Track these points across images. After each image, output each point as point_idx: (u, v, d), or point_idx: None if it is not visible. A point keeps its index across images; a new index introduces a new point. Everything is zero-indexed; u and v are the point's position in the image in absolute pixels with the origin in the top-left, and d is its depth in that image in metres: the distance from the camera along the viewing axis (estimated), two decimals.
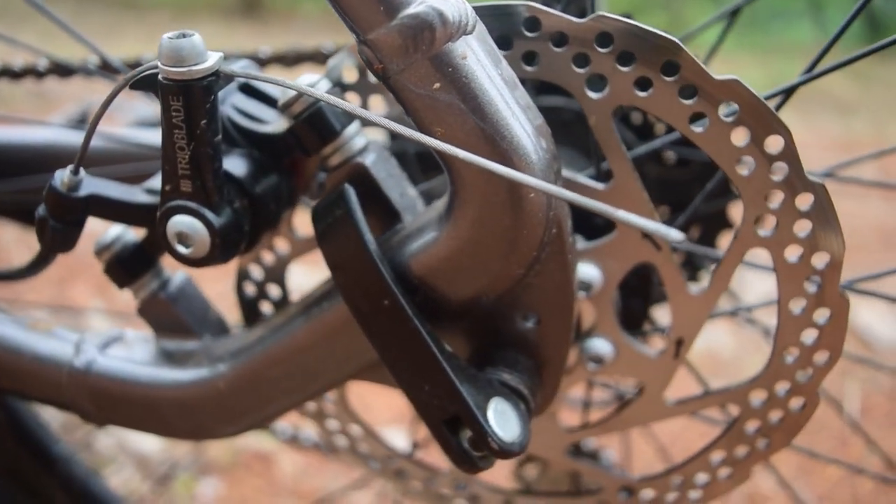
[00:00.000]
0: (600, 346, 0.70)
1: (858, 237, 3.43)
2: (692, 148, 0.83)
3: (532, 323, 0.61)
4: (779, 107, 0.67)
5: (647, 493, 0.79)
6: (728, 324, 2.55)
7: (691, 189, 0.85)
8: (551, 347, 0.62)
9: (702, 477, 0.76)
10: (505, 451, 0.56)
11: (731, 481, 0.75)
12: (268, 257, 0.75)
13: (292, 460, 2.05)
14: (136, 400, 0.73)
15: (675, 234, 0.39)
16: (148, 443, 2.05)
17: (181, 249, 0.61)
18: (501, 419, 0.58)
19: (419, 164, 0.81)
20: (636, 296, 0.75)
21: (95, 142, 0.84)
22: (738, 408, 0.71)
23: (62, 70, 1.06)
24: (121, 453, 2.04)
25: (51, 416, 2.00)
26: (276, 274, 0.76)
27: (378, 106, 0.68)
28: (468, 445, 0.58)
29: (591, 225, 0.70)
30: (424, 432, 0.88)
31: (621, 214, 0.40)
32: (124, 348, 0.75)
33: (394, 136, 0.84)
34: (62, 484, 1.29)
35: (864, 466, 2.17)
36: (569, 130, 0.80)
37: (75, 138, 1.04)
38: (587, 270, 0.67)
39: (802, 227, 0.62)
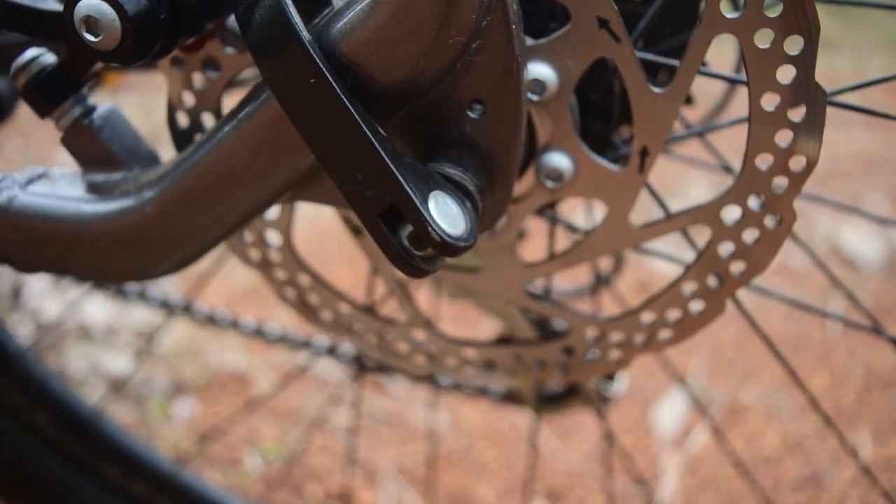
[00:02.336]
0: (558, 159, 0.65)
1: (842, 164, 3.43)
2: None
3: (477, 113, 0.56)
4: None
5: (616, 335, 0.74)
6: None
7: (660, 24, 0.79)
8: (499, 141, 0.56)
9: (673, 313, 0.71)
10: (448, 245, 0.51)
11: (704, 316, 0.71)
12: (198, 81, 0.69)
13: (268, 380, 2.02)
14: (62, 237, 0.68)
15: None
16: (120, 364, 2.01)
17: (90, 38, 0.55)
18: (444, 212, 0.52)
19: None
20: (598, 117, 0.69)
21: None
22: (710, 229, 0.66)
23: None
24: (92, 375, 2.00)
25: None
26: (210, 101, 0.70)
27: None
28: (408, 243, 0.53)
29: (543, 28, 0.64)
30: (381, 289, 0.83)
31: None
32: (48, 184, 0.70)
33: None
34: (19, 382, 1.25)
35: (847, 379, 2.16)
36: None
37: None
38: (539, 69, 0.61)
39: (772, 7, 0.56)
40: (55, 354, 2.04)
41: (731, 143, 0.92)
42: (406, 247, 0.52)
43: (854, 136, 3.63)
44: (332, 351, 1.30)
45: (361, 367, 1.30)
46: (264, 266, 0.79)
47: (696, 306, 0.70)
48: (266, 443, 1.84)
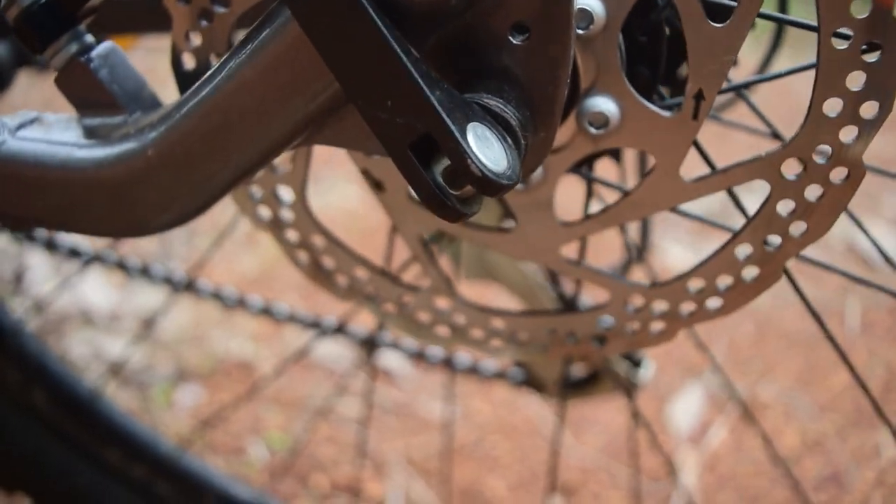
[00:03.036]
0: (603, 104, 0.59)
1: None
2: None
3: (519, 39, 0.50)
4: None
5: (660, 304, 0.68)
6: None
7: None
8: (544, 71, 0.50)
9: (724, 280, 0.65)
10: (489, 181, 0.45)
11: (758, 283, 0.64)
12: (206, 17, 0.63)
13: (274, 368, 1.96)
14: (54, 186, 0.62)
15: None
16: (123, 350, 1.96)
17: None
18: (483, 146, 0.46)
19: None
20: (644, 62, 0.63)
21: None
22: (769, 184, 0.60)
23: None
24: (94, 360, 1.94)
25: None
26: (218, 40, 0.63)
27: None
28: (443, 180, 0.47)
29: None
30: (402, 254, 0.77)
31: None
32: (41, 129, 0.64)
33: None
34: (14, 360, 1.19)
35: (867, 378, 2.09)
36: None
37: None
38: (585, 0, 0.55)
39: None
40: (57, 339, 1.99)
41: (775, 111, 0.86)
42: (441, 184, 0.46)
43: None
44: (340, 330, 1.24)
45: (371, 348, 1.24)
46: (275, 226, 0.72)
47: (751, 272, 0.64)
48: (271, 432, 1.78)
